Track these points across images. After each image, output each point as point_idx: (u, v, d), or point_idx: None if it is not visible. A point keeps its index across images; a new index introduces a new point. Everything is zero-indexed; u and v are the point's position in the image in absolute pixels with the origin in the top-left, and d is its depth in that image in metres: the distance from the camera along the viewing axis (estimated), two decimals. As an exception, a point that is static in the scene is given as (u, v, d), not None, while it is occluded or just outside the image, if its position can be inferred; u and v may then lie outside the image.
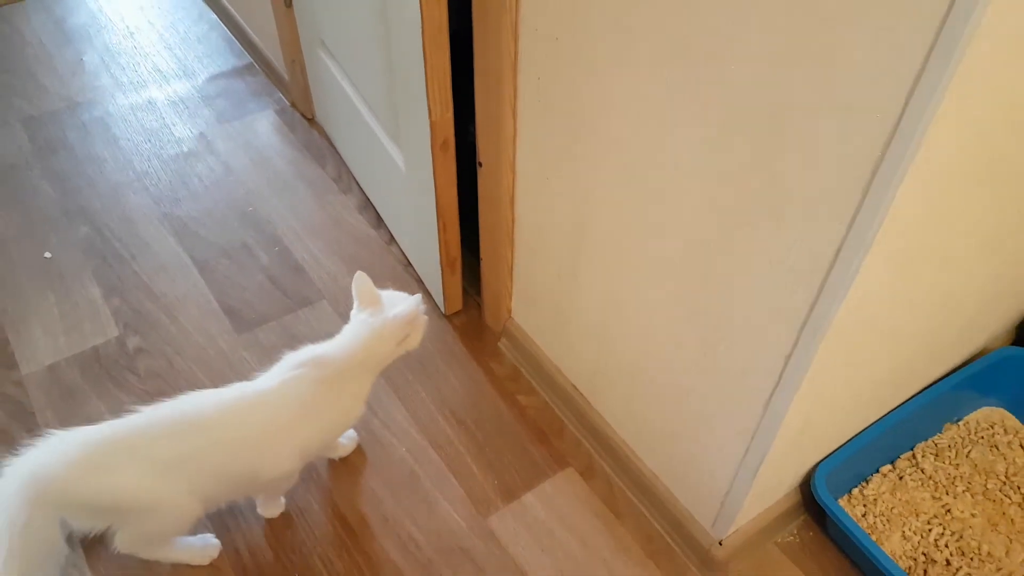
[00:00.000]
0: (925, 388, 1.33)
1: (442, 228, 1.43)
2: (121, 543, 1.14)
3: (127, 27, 2.40)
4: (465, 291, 1.65)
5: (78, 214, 1.83)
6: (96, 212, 1.84)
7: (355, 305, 1.21)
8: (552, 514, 1.35)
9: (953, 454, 1.41)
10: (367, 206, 1.86)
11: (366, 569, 1.27)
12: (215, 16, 2.44)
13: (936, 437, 1.43)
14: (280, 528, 1.32)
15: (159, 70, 2.25)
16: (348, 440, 1.40)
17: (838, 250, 0.80)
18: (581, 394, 1.43)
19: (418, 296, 1.22)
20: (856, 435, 1.26)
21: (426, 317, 1.24)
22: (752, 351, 0.98)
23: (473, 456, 1.42)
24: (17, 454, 1.05)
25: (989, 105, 0.71)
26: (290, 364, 1.17)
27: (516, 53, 1.12)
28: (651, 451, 1.31)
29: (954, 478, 1.38)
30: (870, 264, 0.80)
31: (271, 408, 1.15)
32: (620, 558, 1.29)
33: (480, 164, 1.33)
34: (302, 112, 2.10)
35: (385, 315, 1.18)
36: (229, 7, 2.32)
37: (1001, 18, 0.61)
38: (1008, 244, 1.05)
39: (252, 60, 2.28)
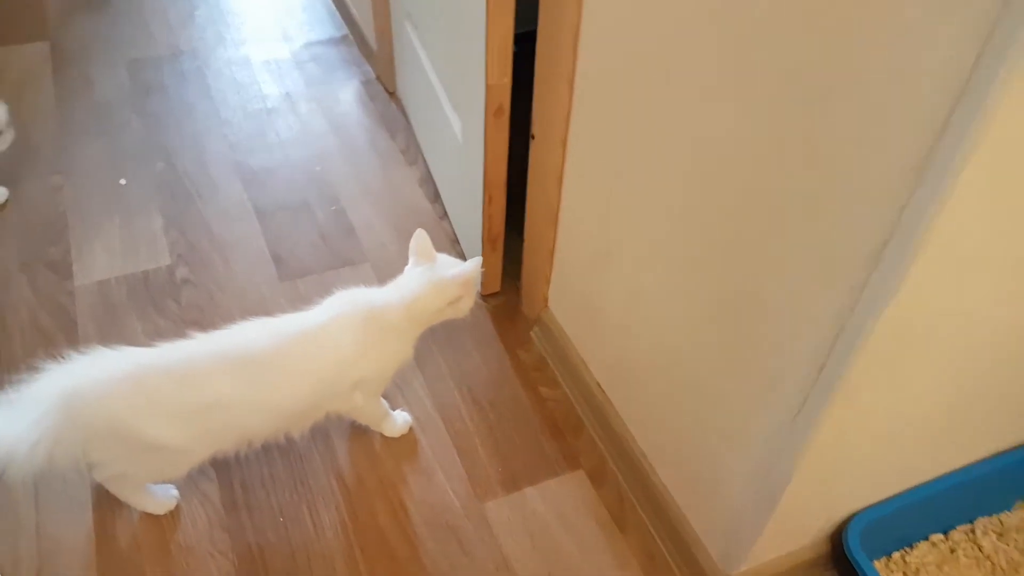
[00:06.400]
0: (998, 454, 1.18)
1: (488, 201, 1.40)
2: (102, 473, 1.14)
3: (241, -10, 2.52)
4: (505, 275, 1.61)
5: (158, 150, 1.91)
6: (175, 151, 1.91)
7: (411, 261, 1.23)
8: (552, 513, 1.28)
9: (1021, 537, 1.25)
10: (428, 180, 1.86)
11: (351, 527, 1.24)
12: (323, -11, 2.53)
13: (1003, 514, 1.27)
14: (277, 471, 1.30)
15: (261, 31, 2.34)
16: (403, 423, 1.36)
17: (882, 247, 0.72)
18: (604, 393, 1.36)
19: (479, 259, 1.22)
20: (905, 490, 1.13)
21: (478, 288, 1.24)
22: (781, 359, 0.89)
23: (482, 438, 1.37)
24: (58, 360, 1.06)
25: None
26: (341, 301, 1.18)
27: (579, 18, 1.08)
28: (667, 465, 1.23)
29: (1018, 564, 1.21)
30: (919, 268, 0.71)
31: (324, 344, 1.15)
32: (616, 572, 1.21)
33: (533, 136, 1.29)
34: (385, 85, 2.13)
35: (443, 272, 1.20)
36: (337, -20, 2.40)
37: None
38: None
39: (348, 32, 2.34)
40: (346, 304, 1.18)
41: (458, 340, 1.53)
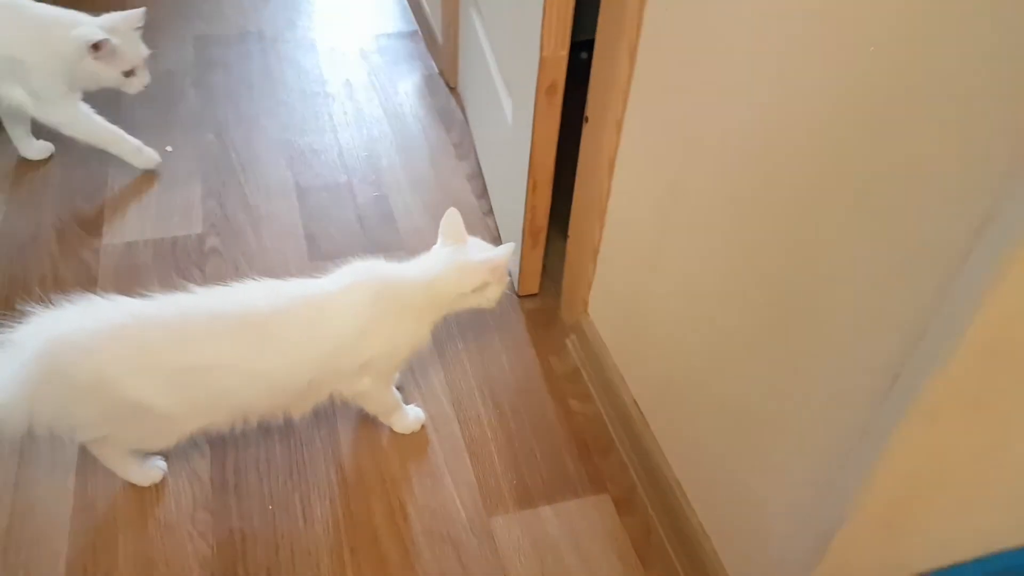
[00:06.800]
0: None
1: (532, 188, 1.29)
2: (84, 435, 1.05)
3: (317, -20, 2.52)
4: (545, 278, 1.49)
5: (210, 123, 1.87)
6: (226, 124, 1.87)
7: (439, 241, 1.14)
8: (567, 537, 1.14)
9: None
10: (477, 175, 1.76)
11: (344, 524, 1.12)
12: (399, -15, 2.50)
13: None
14: (275, 455, 1.20)
15: (332, 20, 2.32)
16: (415, 420, 1.25)
17: (976, 236, 0.57)
18: (640, 412, 1.22)
19: (512, 244, 1.12)
20: (989, 555, 0.94)
21: (509, 278, 1.16)
22: (847, 372, 0.75)
23: (499, 446, 1.25)
24: (48, 307, 0.98)
25: None
26: (356, 271, 1.10)
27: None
28: (704, 497, 1.07)
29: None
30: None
31: (330, 315, 1.05)
32: (630, 610, 1.06)
33: (586, 119, 1.18)
34: (447, 80, 2.07)
35: (472, 255, 1.11)
36: (411, -25, 2.36)
37: None
38: None
39: (418, 28, 2.29)
40: (360, 274, 1.08)
41: (487, 339, 1.41)
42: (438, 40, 2.09)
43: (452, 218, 1.13)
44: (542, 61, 1.13)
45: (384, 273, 1.10)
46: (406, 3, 2.41)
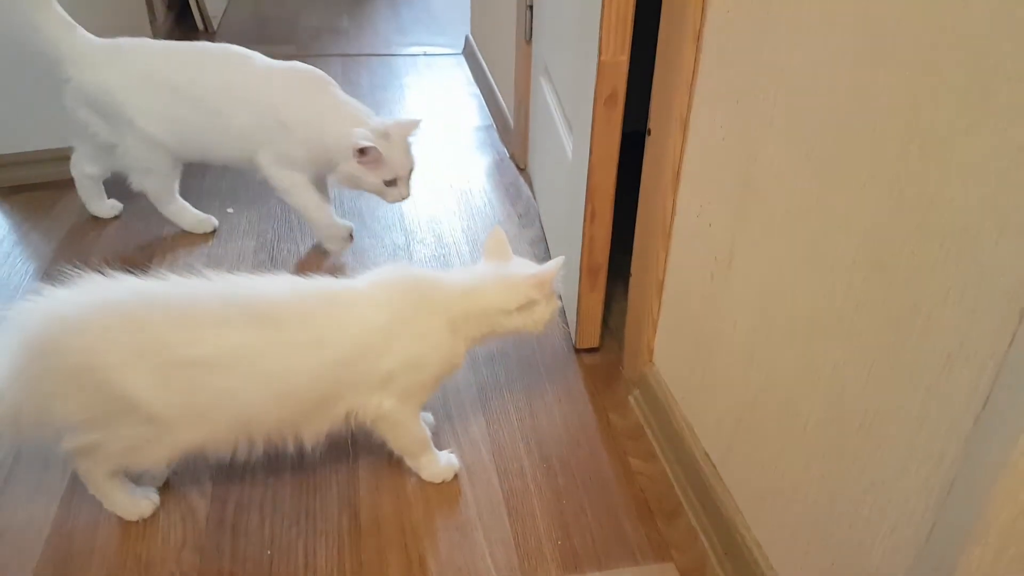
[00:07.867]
0: None
1: (589, 217, 1.18)
2: (70, 441, 0.92)
3: (402, 84, 2.63)
4: (606, 334, 1.34)
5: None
6: (294, 193, 1.88)
7: (482, 261, 1.05)
8: (623, 615, 0.91)
9: None
10: (540, 240, 1.67)
11: None
12: (478, 88, 2.58)
13: None
14: (283, 497, 1.05)
15: (412, 114, 2.39)
16: (447, 466, 1.08)
17: None
18: (713, 467, 1.01)
19: (561, 259, 1.01)
20: None
21: (559, 303, 1.05)
22: (970, 312, 0.56)
23: (544, 502, 1.05)
24: (54, 284, 0.90)
25: None
26: (386, 271, 1.01)
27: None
28: (792, 560, 0.84)
29: None
30: None
31: (353, 311, 0.95)
32: None
33: (649, 132, 1.08)
34: (517, 162, 2.05)
35: (516, 270, 1.01)
36: (490, 76, 2.43)
37: None
38: None
39: (493, 121, 2.33)
40: (391, 273, 0.98)
41: (537, 391, 1.25)
42: (510, 126, 2.10)
43: (497, 237, 1.04)
44: (600, 66, 1.06)
45: (418, 274, 1.00)
46: (483, 102, 2.47)
